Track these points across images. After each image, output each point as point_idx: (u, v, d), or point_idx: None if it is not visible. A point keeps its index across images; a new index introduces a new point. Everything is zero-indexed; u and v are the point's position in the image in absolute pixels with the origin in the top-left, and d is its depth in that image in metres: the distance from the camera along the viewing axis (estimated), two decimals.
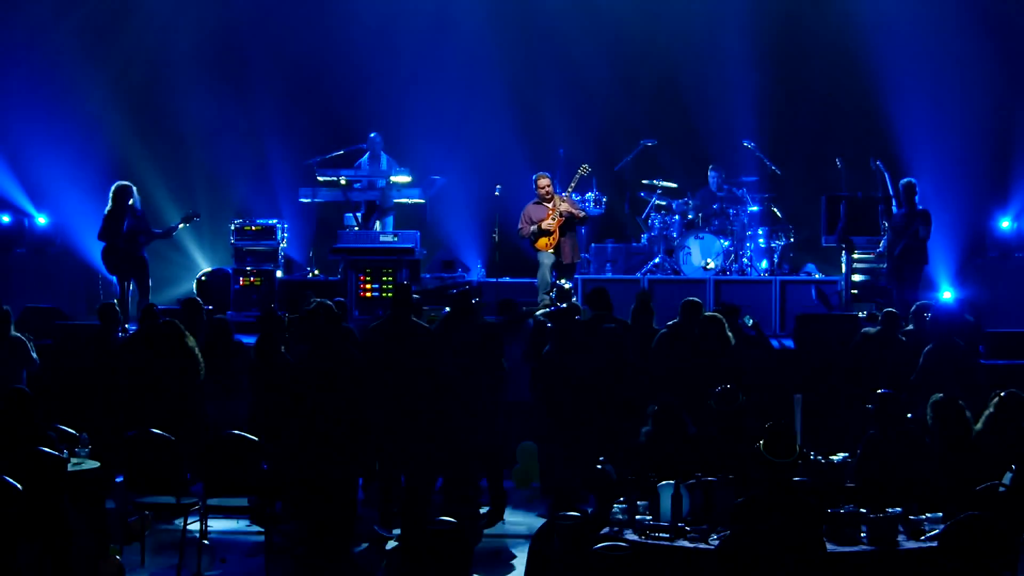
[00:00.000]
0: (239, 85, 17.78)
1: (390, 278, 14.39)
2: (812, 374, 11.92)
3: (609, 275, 15.38)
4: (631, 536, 7.23)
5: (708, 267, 15.08)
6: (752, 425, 8.03)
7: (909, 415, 8.55)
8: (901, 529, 7.26)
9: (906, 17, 16.74)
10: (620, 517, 7.47)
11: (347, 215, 15.78)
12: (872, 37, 16.69)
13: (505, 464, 11.36)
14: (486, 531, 10.21)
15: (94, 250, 16.04)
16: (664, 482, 7.47)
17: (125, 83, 17.70)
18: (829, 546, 6.81)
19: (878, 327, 11.33)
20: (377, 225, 15.59)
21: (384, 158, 16.04)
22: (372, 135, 16.07)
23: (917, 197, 13.66)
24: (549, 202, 14.16)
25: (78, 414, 10.69)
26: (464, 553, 6.81)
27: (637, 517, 7.43)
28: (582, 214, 14.47)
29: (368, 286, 14.57)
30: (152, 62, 17.79)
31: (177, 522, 9.61)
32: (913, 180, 13.78)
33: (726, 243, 15.22)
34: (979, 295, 14.78)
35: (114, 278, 14.28)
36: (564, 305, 11.69)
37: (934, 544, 7.01)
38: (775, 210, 15.88)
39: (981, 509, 7.02)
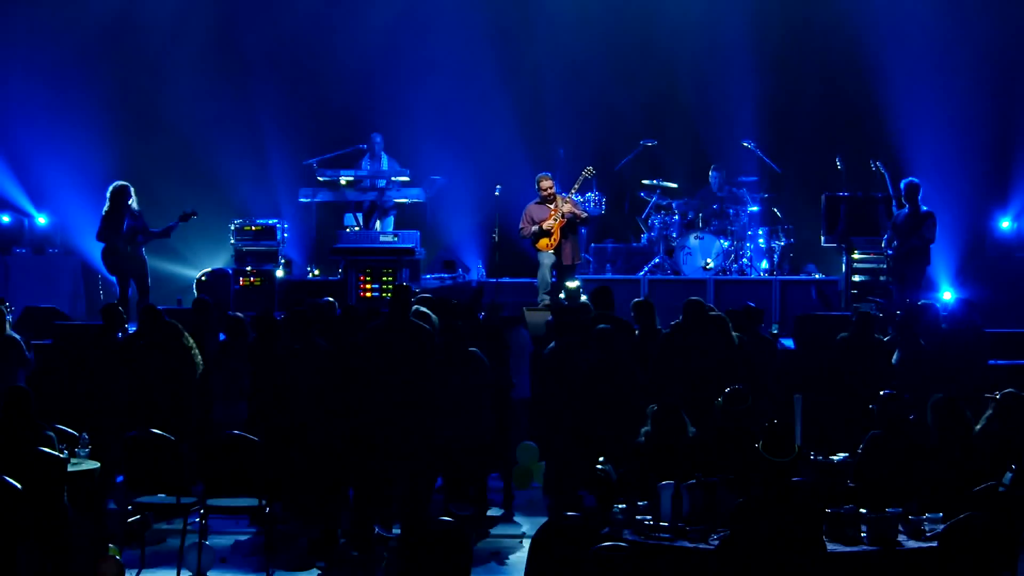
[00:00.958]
0: (239, 85, 17.78)
1: (390, 278, 14.39)
2: (812, 374, 11.91)
3: (609, 275, 15.38)
4: (631, 536, 7.23)
5: (708, 267, 15.09)
6: (755, 426, 8.03)
7: (911, 416, 8.56)
8: (901, 529, 7.26)
9: (906, 17, 16.73)
10: (620, 517, 7.47)
11: (347, 215, 15.79)
12: (872, 37, 16.69)
13: (505, 464, 11.38)
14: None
15: (94, 250, 16.03)
16: (664, 482, 7.47)
17: (125, 83, 17.71)
18: (829, 546, 6.81)
19: (851, 331, 11.31)
20: (377, 225, 15.60)
21: (384, 158, 16.04)
22: (372, 135, 16.08)
23: (920, 196, 13.64)
24: (551, 203, 14.16)
25: (78, 414, 10.69)
26: (464, 553, 6.80)
27: (637, 517, 7.44)
28: (584, 215, 14.44)
29: (368, 286, 14.59)
30: (152, 62, 17.79)
31: (177, 522, 9.61)
32: (916, 180, 13.75)
33: (726, 243, 15.22)
34: (979, 295, 14.77)
35: (114, 278, 14.28)
36: (566, 303, 11.71)
37: (934, 544, 7.01)
38: (775, 210, 15.88)
39: (981, 509, 7.02)
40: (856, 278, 14.75)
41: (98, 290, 16.01)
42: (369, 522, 9.81)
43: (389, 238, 14.99)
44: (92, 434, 9.49)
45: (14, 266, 16.55)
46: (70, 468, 8.50)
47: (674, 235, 15.41)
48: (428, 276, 16.02)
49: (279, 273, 15.53)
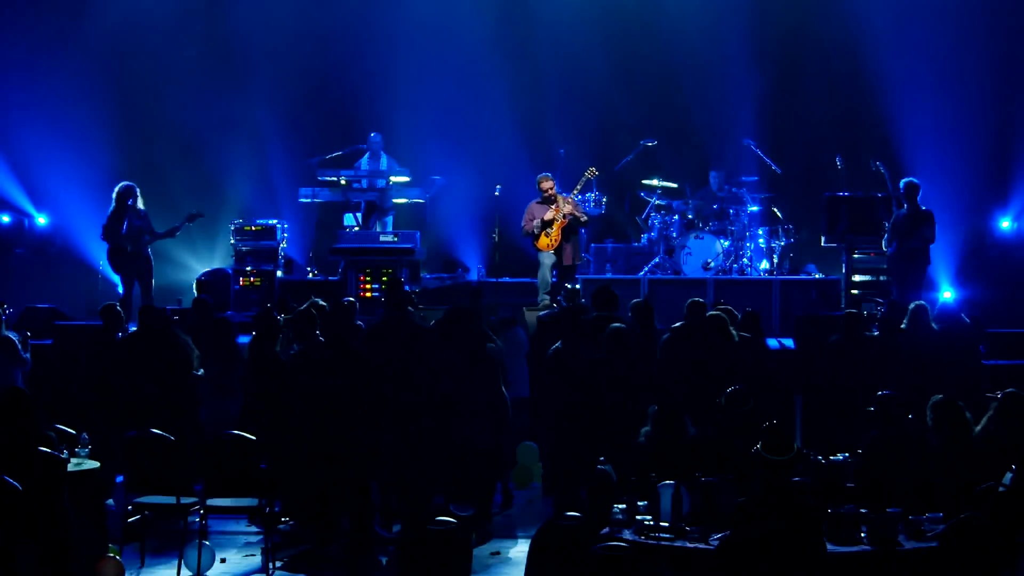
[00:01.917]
0: (240, 85, 17.78)
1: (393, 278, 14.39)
2: (812, 374, 11.91)
3: (609, 275, 15.38)
4: (631, 536, 7.23)
5: (708, 267, 15.09)
6: (754, 426, 8.03)
7: (910, 416, 8.56)
8: (901, 529, 7.26)
9: (906, 17, 16.74)
10: (620, 517, 7.47)
11: (347, 215, 15.80)
12: (872, 37, 16.69)
13: (505, 464, 11.38)
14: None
15: (94, 250, 16.07)
16: (664, 482, 7.47)
17: (125, 83, 17.70)
18: (829, 546, 6.81)
19: (841, 333, 11.32)
20: (377, 225, 15.60)
21: (384, 158, 16.05)
22: (372, 135, 16.09)
23: (920, 196, 13.64)
24: (552, 203, 14.16)
25: (78, 414, 10.69)
26: (464, 553, 6.81)
27: (637, 517, 7.44)
28: (584, 218, 14.47)
29: (368, 286, 14.60)
30: (153, 61, 17.79)
31: (177, 522, 9.61)
32: (915, 180, 13.76)
33: (726, 243, 15.22)
34: (979, 295, 14.78)
35: (119, 278, 14.30)
36: (566, 304, 11.71)
37: (934, 544, 7.01)
38: (775, 210, 15.88)
39: (981, 509, 7.02)
40: (856, 278, 14.75)
41: (98, 290, 16.00)
42: (369, 522, 9.81)
43: (389, 238, 14.99)
44: (92, 434, 9.49)
45: (14, 266, 16.55)
46: (70, 468, 8.49)
47: (674, 235, 15.41)
48: (428, 276, 16.01)
49: (279, 273, 15.53)
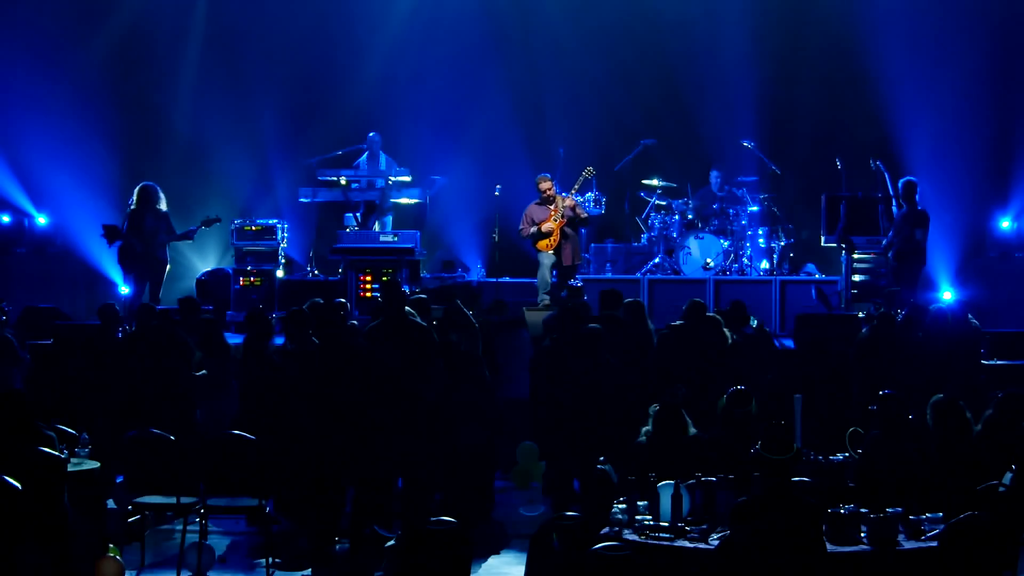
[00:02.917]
0: (239, 85, 17.78)
1: (389, 278, 14.38)
2: (812, 374, 11.91)
3: (609, 275, 15.38)
4: (631, 536, 7.23)
5: (708, 267, 15.08)
6: (756, 426, 8.03)
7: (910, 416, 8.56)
8: (901, 529, 7.26)
9: (906, 17, 16.73)
10: (620, 517, 7.47)
11: (347, 215, 15.79)
12: (872, 37, 16.68)
13: (505, 464, 11.38)
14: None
15: (94, 250, 16.06)
16: (664, 482, 7.47)
17: (125, 83, 17.70)
18: (829, 546, 6.81)
19: (871, 326, 11.32)
20: (377, 225, 15.59)
21: (383, 158, 16.04)
22: (371, 135, 16.08)
23: (917, 196, 13.65)
24: (551, 204, 14.16)
25: (78, 414, 10.69)
26: (464, 553, 6.80)
27: (637, 517, 7.44)
28: (584, 216, 14.44)
29: (368, 286, 14.58)
30: (153, 62, 17.80)
31: (177, 522, 9.60)
32: (913, 179, 13.76)
33: (726, 243, 15.22)
34: (979, 295, 14.77)
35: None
36: (568, 302, 11.70)
37: (934, 544, 7.01)
38: (775, 210, 15.88)
39: (981, 509, 7.02)
40: (856, 278, 14.75)
41: (98, 290, 16.01)
42: (368, 522, 9.81)
43: (389, 238, 14.99)
44: (92, 434, 9.49)
45: (14, 266, 16.55)
46: (70, 468, 8.49)
47: (674, 235, 15.40)
48: (428, 276, 16.01)
49: (279, 273, 15.53)
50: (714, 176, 15.88)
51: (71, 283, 16.65)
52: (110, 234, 14.08)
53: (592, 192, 15.47)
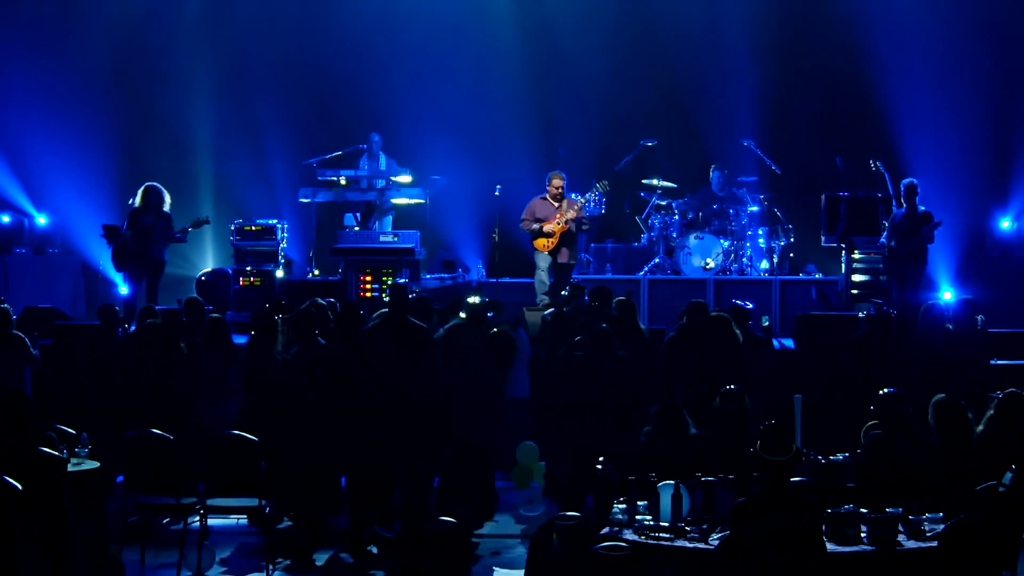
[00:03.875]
0: (239, 85, 17.78)
1: (390, 278, 14.39)
2: (812, 374, 11.91)
3: (609, 275, 15.38)
4: (631, 536, 7.23)
5: (708, 267, 15.08)
6: (755, 426, 8.03)
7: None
8: (901, 529, 7.26)
9: (906, 17, 16.73)
10: (620, 517, 7.47)
11: (347, 215, 15.80)
12: (872, 37, 16.68)
13: (505, 464, 11.38)
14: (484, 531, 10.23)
15: (94, 250, 16.06)
16: (664, 482, 7.47)
17: (125, 83, 17.71)
18: (829, 546, 6.81)
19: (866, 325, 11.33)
20: (377, 225, 15.60)
21: (383, 158, 16.05)
22: (371, 135, 16.08)
23: (918, 198, 13.64)
24: (557, 201, 14.16)
25: (78, 414, 10.69)
26: (464, 553, 6.81)
27: (637, 517, 7.44)
28: (586, 225, 14.53)
29: (368, 286, 14.59)
30: (152, 61, 17.79)
31: (177, 522, 9.61)
32: (915, 181, 13.76)
33: (726, 243, 15.22)
34: (979, 295, 14.76)
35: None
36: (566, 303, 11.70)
37: (934, 544, 7.01)
38: (775, 210, 15.88)
39: (981, 509, 7.02)
40: (856, 278, 14.75)
41: (98, 290, 16.00)
42: (368, 522, 9.81)
43: (389, 238, 14.99)
44: (92, 434, 9.49)
45: (14, 266, 16.54)
46: (70, 468, 8.49)
47: (674, 235, 15.40)
48: (428, 276, 16.01)
49: (279, 273, 15.53)
50: (713, 176, 15.88)
51: (71, 283, 16.64)
52: (110, 234, 14.08)
53: (592, 192, 15.47)
